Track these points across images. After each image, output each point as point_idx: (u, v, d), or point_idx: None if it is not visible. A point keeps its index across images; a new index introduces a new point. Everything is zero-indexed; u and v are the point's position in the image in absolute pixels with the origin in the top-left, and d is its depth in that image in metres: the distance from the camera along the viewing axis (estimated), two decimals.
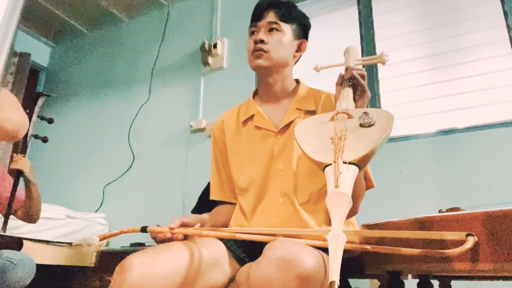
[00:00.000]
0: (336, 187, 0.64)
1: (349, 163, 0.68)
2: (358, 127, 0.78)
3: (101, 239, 0.93)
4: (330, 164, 0.69)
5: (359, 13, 2.55)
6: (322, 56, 2.47)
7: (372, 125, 0.77)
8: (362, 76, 0.96)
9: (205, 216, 1.08)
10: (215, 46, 2.89)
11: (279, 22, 1.12)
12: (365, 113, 0.79)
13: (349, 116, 0.82)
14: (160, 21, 3.36)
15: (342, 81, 0.97)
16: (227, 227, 1.12)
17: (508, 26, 2.08)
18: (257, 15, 1.14)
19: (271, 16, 1.12)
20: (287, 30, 1.13)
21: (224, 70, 2.90)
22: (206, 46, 2.90)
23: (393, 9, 2.47)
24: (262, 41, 1.10)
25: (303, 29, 1.18)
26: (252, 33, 1.15)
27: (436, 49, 2.27)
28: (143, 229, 0.96)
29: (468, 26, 2.22)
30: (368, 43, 2.42)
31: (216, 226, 1.08)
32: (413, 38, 2.36)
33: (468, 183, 1.91)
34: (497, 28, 2.12)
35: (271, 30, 1.12)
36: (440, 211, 1.07)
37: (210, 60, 2.90)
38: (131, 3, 3.39)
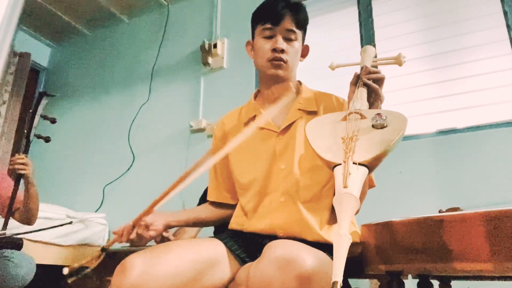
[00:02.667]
0: (344, 187, 0.63)
1: (359, 164, 0.68)
2: (370, 128, 0.77)
3: (70, 270, 0.97)
4: (340, 164, 0.69)
5: (359, 13, 2.55)
6: (322, 56, 2.47)
7: (385, 126, 0.76)
8: (381, 79, 0.96)
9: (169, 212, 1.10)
10: (215, 46, 2.89)
11: (296, 30, 1.10)
12: (378, 114, 0.78)
13: (362, 117, 0.82)
14: (160, 21, 3.36)
15: (357, 81, 0.97)
16: (203, 223, 1.17)
17: (508, 26, 2.08)
18: (273, 17, 1.09)
19: (289, 22, 1.09)
20: (300, 37, 1.13)
21: (224, 70, 2.90)
22: (206, 46, 2.90)
23: (393, 9, 2.47)
24: (282, 51, 1.08)
25: (305, 33, 1.18)
26: (267, 36, 1.11)
27: (436, 49, 2.27)
28: (103, 249, 1.00)
29: (468, 26, 2.22)
30: (368, 43, 2.42)
31: (189, 219, 1.12)
32: (413, 38, 2.35)
33: (468, 183, 1.91)
34: (497, 28, 2.12)
35: (289, 39, 1.10)
36: (440, 211, 1.07)
37: (210, 60, 2.90)
38: (131, 3, 3.39)
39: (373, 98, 0.95)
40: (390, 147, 0.71)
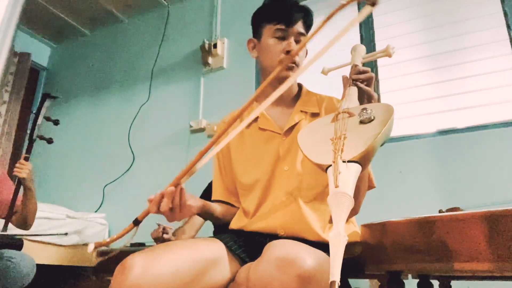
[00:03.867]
0: (335, 187, 0.63)
1: (349, 161, 0.68)
2: (358, 124, 0.77)
3: (96, 246, 0.89)
4: (331, 165, 0.69)
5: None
6: (322, 56, 2.46)
7: (372, 120, 0.76)
8: (370, 79, 0.96)
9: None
10: (215, 46, 2.89)
11: (306, 34, 1.11)
12: (364, 109, 0.78)
13: (350, 115, 0.82)
14: (160, 21, 3.36)
15: (347, 81, 0.97)
16: (222, 218, 1.12)
17: (508, 26, 2.08)
18: (287, 19, 1.09)
19: (300, 25, 1.10)
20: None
21: (224, 70, 2.90)
22: (206, 46, 2.90)
23: (393, 9, 2.47)
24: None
25: None
26: (279, 37, 1.10)
27: (436, 49, 2.27)
28: (136, 222, 0.89)
29: (468, 26, 2.22)
30: (368, 43, 2.42)
31: (213, 209, 1.07)
32: (413, 38, 2.35)
33: (468, 183, 1.91)
34: (497, 28, 2.12)
35: (299, 41, 1.10)
36: (440, 211, 1.07)
37: (210, 60, 2.90)
38: (131, 3, 3.39)
39: (366, 98, 0.94)
40: (378, 140, 0.70)
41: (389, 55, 1.00)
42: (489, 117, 1.99)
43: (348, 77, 0.97)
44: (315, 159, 0.73)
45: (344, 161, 0.67)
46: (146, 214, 0.90)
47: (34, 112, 1.75)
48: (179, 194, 0.89)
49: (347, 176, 0.65)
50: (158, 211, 0.88)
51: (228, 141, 1.18)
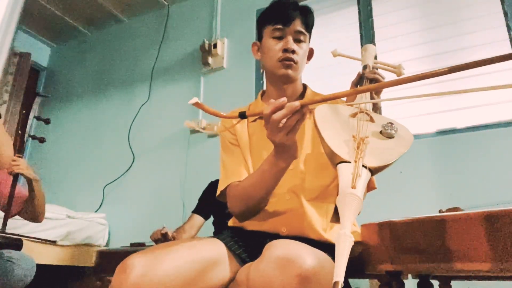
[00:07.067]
0: (352, 187, 0.63)
1: (368, 168, 0.68)
2: (379, 134, 0.77)
3: (198, 103, 0.81)
4: (348, 162, 0.69)
5: (359, 13, 2.55)
6: (322, 56, 2.47)
7: (392, 137, 0.77)
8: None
9: None
10: (215, 46, 2.89)
11: (305, 32, 1.12)
12: (390, 123, 0.78)
13: (371, 120, 0.82)
14: (160, 21, 3.36)
15: (359, 80, 0.97)
16: (265, 199, 1.02)
17: (508, 26, 2.08)
18: (284, 17, 1.10)
19: (298, 24, 1.10)
20: (307, 39, 1.14)
21: (224, 70, 2.90)
22: (206, 46, 2.90)
23: (393, 9, 2.47)
24: (293, 51, 1.09)
25: (311, 36, 1.19)
26: (277, 36, 1.11)
27: (436, 49, 2.27)
28: (242, 114, 0.83)
29: (468, 26, 2.22)
30: (368, 43, 2.42)
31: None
32: (413, 38, 2.35)
33: (468, 183, 1.91)
34: (497, 28, 2.12)
35: (298, 40, 1.11)
36: (440, 211, 1.07)
37: (210, 60, 2.90)
38: (131, 3, 3.39)
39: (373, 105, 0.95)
40: (396, 160, 0.71)
41: (399, 74, 1.01)
42: (489, 117, 2.00)
43: (365, 77, 0.97)
44: (334, 148, 0.72)
45: (365, 166, 0.67)
46: (258, 114, 0.84)
47: (23, 111, 1.72)
48: (298, 117, 0.79)
49: (362, 180, 0.65)
50: (269, 115, 0.79)
51: (236, 137, 1.16)
